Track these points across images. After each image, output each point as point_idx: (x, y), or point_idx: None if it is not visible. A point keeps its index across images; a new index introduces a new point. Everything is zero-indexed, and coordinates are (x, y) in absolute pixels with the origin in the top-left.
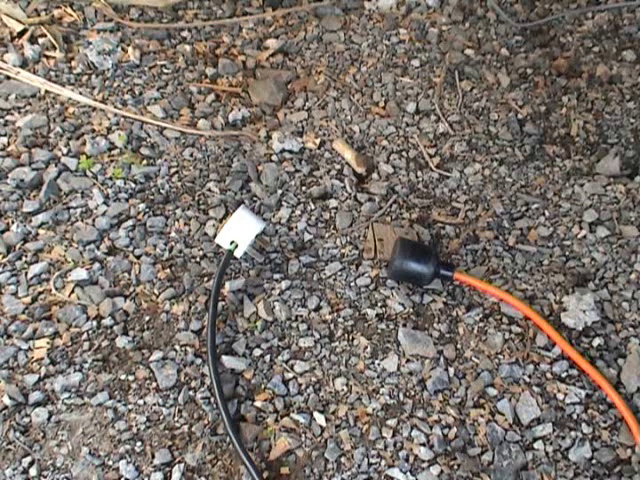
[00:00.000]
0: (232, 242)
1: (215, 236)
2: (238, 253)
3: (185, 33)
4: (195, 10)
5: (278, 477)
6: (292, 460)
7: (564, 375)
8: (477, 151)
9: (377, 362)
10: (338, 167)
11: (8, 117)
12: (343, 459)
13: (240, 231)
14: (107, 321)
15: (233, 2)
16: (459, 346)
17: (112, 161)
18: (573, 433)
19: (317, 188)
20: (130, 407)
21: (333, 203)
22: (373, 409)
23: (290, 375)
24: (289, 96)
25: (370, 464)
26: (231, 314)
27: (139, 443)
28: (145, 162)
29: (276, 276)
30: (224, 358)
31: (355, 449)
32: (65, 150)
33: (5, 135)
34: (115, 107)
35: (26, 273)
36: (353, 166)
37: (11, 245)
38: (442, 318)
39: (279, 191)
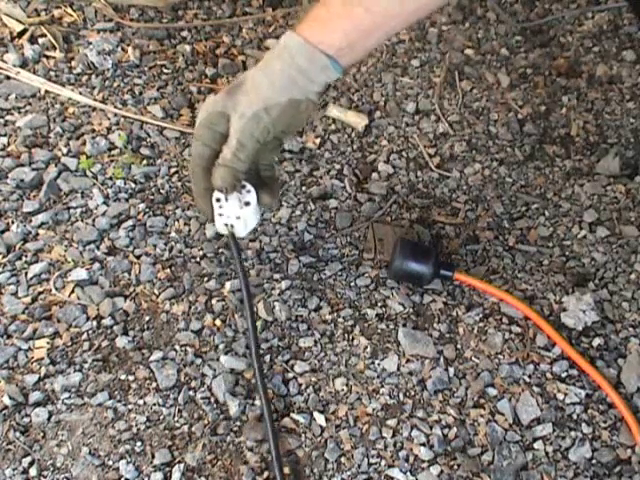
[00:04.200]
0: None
1: (215, 234)
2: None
3: (185, 33)
4: (195, 10)
5: None
6: (292, 460)
7: (564, 375)
8: (477, 151)
9: (377, 362)
10: (338, 167)
11: (8, 117)
12: (343, 459)
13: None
14: (107, 321)
15: (233, 2)
16: (459, 346)
17: (112, 161)
18: (573, 433)
19: (317, 188)
20: (130, 407)
21: (333, 203)
22: (373, 409)
23: (290, 375)
24: None
25: (370, 464)
26: (231, 314)
27: (139, 443)
28: (145, 162)
29: (276, 276)
30: (224, 358)
31: (355, 449)
32: (65, 150)
33: (5, 135)
34: (115, 107)
35: (26, 273)
36: (354, 124)
37: (11, 245)
38: (442, 318)
39: (279, 191)
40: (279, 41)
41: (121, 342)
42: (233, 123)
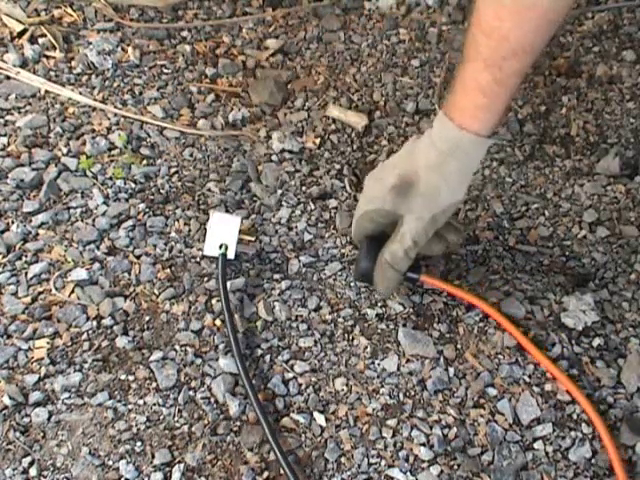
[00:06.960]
0: (221, 246)
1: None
2: (231, 254)
3: (185, 33)
4: (195, 10)
5: (278, 477)
6: (292, 460)
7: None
8: None
9: (377, 362)
10: (338, 167)
11: (8, 117)
12: (343, 459)
13: (223, 232)
14: (107, 321)
15: (233, 2)
16: (459, 346)
17: (112, 161)
18: (573, 433)
19: (317, 188)
20: (130, 407)
21: (333, 203)
22: (373, 409)
23: (290, 375)
24: (289, 96)
25: (370, 464)
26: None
27: (139, 443)
28: (145, 162)
29: (276, 276)
30: (223, 359)
31: (355, 449)
32: (65, 150)
33: (5, 135)
34: (115, 107)
35: (26, 273)
36: (354, 124)
37: (11, 245)
38: (442, 318)
39: (279, 191)
40: (442, 133)
41: (121, 342)
42: (408, 222)
